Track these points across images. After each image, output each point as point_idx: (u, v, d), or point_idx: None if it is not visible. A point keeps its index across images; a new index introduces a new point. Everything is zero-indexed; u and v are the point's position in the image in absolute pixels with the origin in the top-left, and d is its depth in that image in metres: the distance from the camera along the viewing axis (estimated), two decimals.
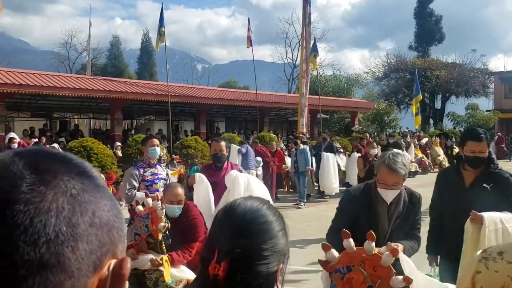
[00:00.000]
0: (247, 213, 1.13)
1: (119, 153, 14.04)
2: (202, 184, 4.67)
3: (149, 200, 3.66)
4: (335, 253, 2.36)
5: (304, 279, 5.88)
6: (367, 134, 15.29)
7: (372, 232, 2.35)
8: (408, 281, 2.24)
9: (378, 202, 2.97)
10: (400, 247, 2.70)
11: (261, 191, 4.64)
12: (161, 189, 5.14)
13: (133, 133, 19.42)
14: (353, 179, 12.31)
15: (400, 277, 2.26)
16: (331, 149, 12.84)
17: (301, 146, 11.69)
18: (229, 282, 1.06)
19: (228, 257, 1.06)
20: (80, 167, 0.59)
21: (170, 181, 5.45)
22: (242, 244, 1.07)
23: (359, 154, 13.18)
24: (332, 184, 12.48)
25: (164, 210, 3.58)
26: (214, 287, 1.06)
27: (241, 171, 5.15)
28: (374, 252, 2.30)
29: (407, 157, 18.11)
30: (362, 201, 3.01)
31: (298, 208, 11.44)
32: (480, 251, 1.66)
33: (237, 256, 1.06)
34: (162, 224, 3.47)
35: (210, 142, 17.91)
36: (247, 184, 4.53)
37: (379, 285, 2.24)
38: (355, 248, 2.32)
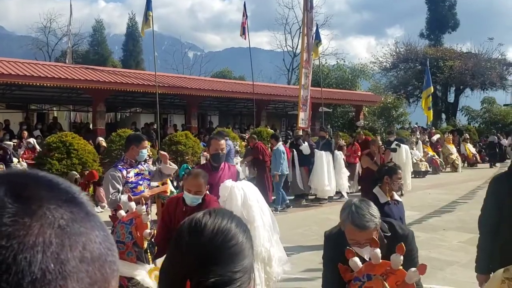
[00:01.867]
0: (217, 235, 1.12)
1: (104, 143, 13.96)
2: (226, 192, 4.61)
3: (133, 204, 3.63)
4: (358, 261, 2.36)
5: (298, 287, 5.87)
6: (378, 138, 14.91)
7: (402, 245, 2.35)
8: None
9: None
10: None
11: (259, 203, 4.63)
12: (147, 190, 5.16)
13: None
14: (341, 184, 12.35)
15: None
16: (329, 147, 12.55)
17: (277, 145, 11.58)
18: None
19: (201, 286, 1.06)
20: (68, 193, 0.57)
21: (151, 182, 5.43)
22: (215, 272, 1.07)
23: (340, 152, 13.04)
24: (325, 186, 12.15)
25: (149, 216, 3.55)
26: None
27: (238, 173, 5.14)
28: (400, 267, 2.30)
29: (417, 155, 18.20)
30: (342, 248, 2.70)
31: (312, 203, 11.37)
32: (503, 269, 1.63)
33: (211, 284, 1.06)
34: (148, 231, 3.43)
35: (202, 137, 17.91)
36: (244, 198, 4.52)
37: None
38: (381, 260, 2.32)
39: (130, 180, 5.00)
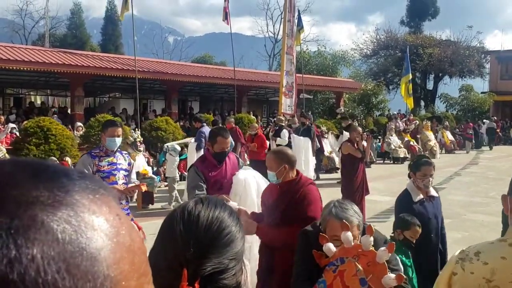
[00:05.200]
0: (211, 224, 1.13)
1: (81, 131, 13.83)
2: (241, 186, 4.41)
3: None
4: (331, 247, 2.40)
5: None
6: (358, 128, 14.96)
7: (371, 226, 2.40)
8: (400, 279, 2.31)
9: None
10: None
11: None
12: (121, 181, 4.91)
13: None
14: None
15: (393, 275, 2.33)
16: (309, 133, 12.55)
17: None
18: None
19: (198, 276, 1.06)
20: None
21: (133, 172, 5.19)
22: (211, 260, 1.08)
23: None
24: (302, 172, 12.08)
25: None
26: None
27: (238, 160, 4.93)
28: (371, 248, 2.35)
29: (396, 142, 18.40)
30: (316, 246, 2.64)
31: None
32: (458, 251, 1.71)
33: (208, 273, 1.07)
34: None
35: (182, 124, 17.80)
36: (258, 188, 4.37)
37: (370, 279, 2.31)
38: (353, 243, 2.37)
39: (102, 169, 4.79)
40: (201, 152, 10.62)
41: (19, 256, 0.40)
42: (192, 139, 11.63)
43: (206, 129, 10.96)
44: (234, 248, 1.12)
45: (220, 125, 11.80)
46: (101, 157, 4.84)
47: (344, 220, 2.57)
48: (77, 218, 0.44)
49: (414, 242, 3.85)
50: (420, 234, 3.86)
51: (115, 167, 4.89)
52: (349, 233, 2.40)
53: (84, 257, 0.43)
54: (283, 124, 12.96)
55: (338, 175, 13.95)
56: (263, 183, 4.41)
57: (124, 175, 4.97)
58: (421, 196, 4.10)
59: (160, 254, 1.14)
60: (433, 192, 4.20)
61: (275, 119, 15.46)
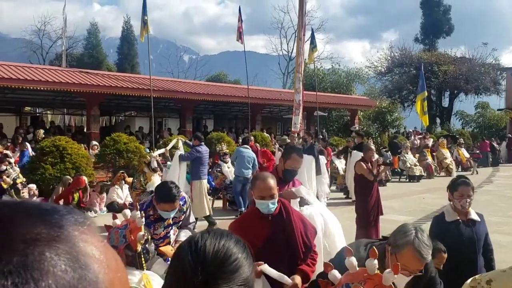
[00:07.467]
0: (218, 253, 1.17)
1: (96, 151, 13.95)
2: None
3: (127, 211, 3.63)
4: (337, 274, 2.38)
5: None
6: (372, 147, 14.67)
7: (375, 248, 2.37)
8: None
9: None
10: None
11: (339, 230, 4.20)
12: (173, 238, 4.41)
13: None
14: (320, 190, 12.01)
15: None
16: (312, 151, 11.97)
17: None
18: None
19: None
20: None
21: (189, 216, 4.55)
22: (220, 287, 1.11)
23: (322, 157, 12.44)
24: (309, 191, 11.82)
25: (143, 219, 3.52)
26: None
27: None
28: (376, 271, 2.33)
29: (411, 160, 18.25)
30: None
31: None
32: (470, 279, 1.71)
33: None
34: (141, 233, 3.44)
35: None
36: (325, 226, 4.12)
37: None
38: (357, 268, 2.35)
39: (158, 237, 4.24)
40: (184, 164, 10.16)
41: None
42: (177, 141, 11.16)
43: (203, 148, 10.41)
44: (243, 274, 1.15)
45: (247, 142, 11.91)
46: (156, 223, 4.25)
47: (423, 257, 2.48)
48: (75, 249, 0.51)
49: (441, 268, 3.61)
50: (452, 257, 3.68)
51: (170, 228, 4.36)
52: (352, 258, 2.38)
53: (87, 282, 0.49)
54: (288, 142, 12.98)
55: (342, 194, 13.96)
56: (330, 219, 4.14)
57: (177, 227, 4.45)
58: (457, 217, 3.91)
59: (172, 285, 1.19)
60: (473, 216, 3.96)
61: (278, 142, 15.44)
